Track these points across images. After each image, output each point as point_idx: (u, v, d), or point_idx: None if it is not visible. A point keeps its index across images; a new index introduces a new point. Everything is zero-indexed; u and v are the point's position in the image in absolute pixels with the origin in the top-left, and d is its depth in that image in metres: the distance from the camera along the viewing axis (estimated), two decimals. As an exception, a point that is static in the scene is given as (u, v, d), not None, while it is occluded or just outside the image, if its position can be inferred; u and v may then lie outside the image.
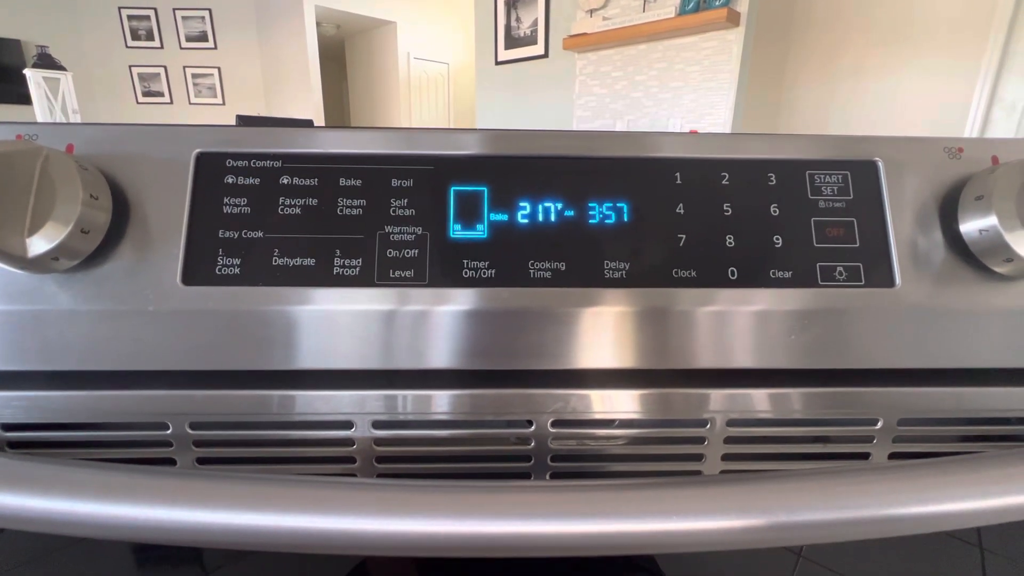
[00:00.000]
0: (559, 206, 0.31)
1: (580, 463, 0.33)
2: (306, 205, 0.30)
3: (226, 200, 0.30)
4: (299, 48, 5.03)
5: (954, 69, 2.53)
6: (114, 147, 0.30)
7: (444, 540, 0.26)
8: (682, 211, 0.31)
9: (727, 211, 0.31)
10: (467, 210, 0.30)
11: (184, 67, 5.27)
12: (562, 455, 0.32)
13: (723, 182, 0.31)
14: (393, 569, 0.36)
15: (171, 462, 0.32)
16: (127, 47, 5.14)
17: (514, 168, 0.31)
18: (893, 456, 0.33)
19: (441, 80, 5.99)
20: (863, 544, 0.35)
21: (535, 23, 3.29)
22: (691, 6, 2.52)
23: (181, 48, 5.23)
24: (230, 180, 0.30)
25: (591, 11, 2.94)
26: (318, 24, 5.12)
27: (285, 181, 0.30)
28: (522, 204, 0.31)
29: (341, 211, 0.30)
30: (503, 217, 0.31)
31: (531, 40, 3.33)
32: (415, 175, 0.31)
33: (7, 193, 0.25)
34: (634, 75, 2.91)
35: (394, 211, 0.30)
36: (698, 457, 0.32)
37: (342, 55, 6.26)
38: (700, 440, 0.32)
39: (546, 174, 0.31)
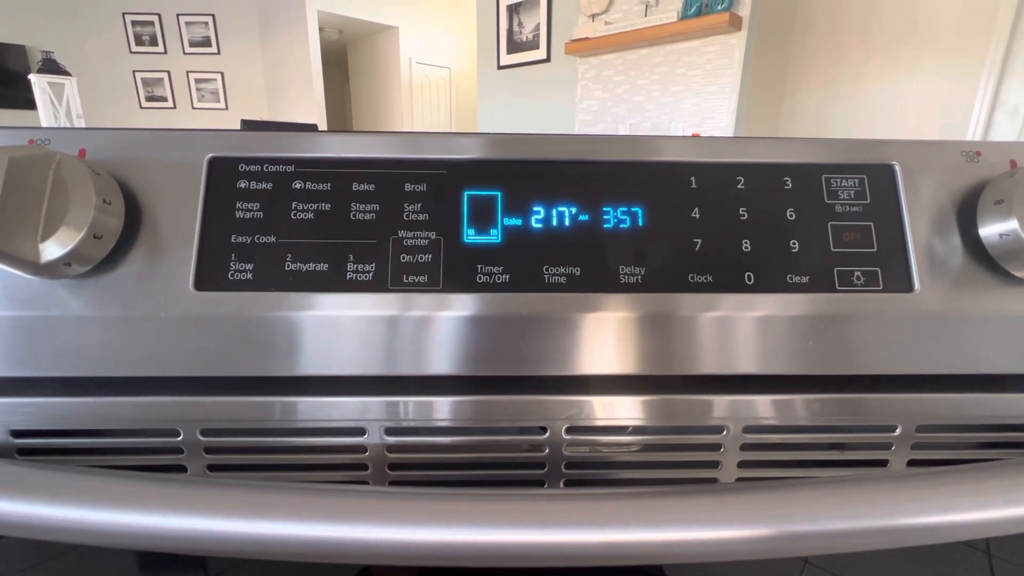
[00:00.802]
0: (573, 210, 0.30)
1: (594, 470, 0.33)
2: (319, 210, 0.30)
3: (238, 205, 0.30)
4: (302, 53, 5.05)
5: (956, 73, 2.53)
6: (126, 152, 0.30)
7: (458, 550, 0.25)
8: (698, 215, 0.30)
9: (743, 215, 0.31)
10: (481, 215, 0.30)
11: (187, 72, 5.30)
12: (576, 462, 0.32)
13: (739, 186, 0.31)
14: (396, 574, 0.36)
15: (182, 469, 0.31)
16: (131, 52, 5.17)
17: (528, 172, 0.31)
18: (912, 463, 0.32)
19: (443, 84, 6.01)
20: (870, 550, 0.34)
21: (537, 28, 3.30)
22: (693, 11, 2.53)
23: (184, 53, 5.26)
24: (242, 185, 0.30)
25: (593, 16, 2.95)
26: (321, 29, 5.15)
27: (298, 186, 0.30)
28: (536, 208, 0.31)
29: (354, 216, 0.30)
30: (517, 222, 0.30)
31: (533, 45, 3.35)
32: (428, 180, 0.31)
33: (20, 198, 0.25)
34: (636, 79, 2.92)
35: (407, 216, 0.30)
36: (714, 464, 0.32)
37: (344, 60, 6.29)
38: (716, 447, 0.32)
39: (560, 178, 0.31)
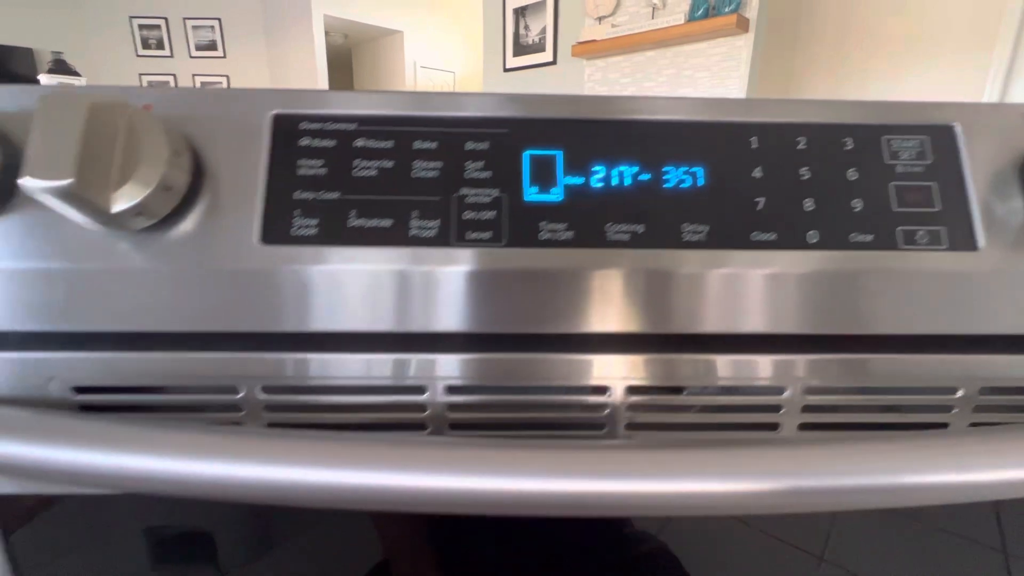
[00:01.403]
0: (634, 170, 0.30)
1: (654, 431, 0.32)
2: (382, 167, 0.30)
3: (302, 162, 0.30)
4: (307, 57, 5.08)
5: (963, 74, 2.54)
6: (189, 109, 0.30)
7: (526, 498, 0.25)
8: (759, 175, 0.30)
9: (804, 176, 0.30)
10: (542, 173, 0.30)
11: (193, 75, 5.32)
12: (637, 424, 0.32)
13: (799, 147, 0.31)
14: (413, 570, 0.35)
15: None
16: (137, 56, 5.20)
17: (589, 132, 0.31)
18: (973, 427, 0.32)
19: (447, 88, 6.04)
20: (884, 548, 0.34)
21: (543, 30, 3.32)
22: (700, 13, 2.54)
23: (191, 57, 5.29)
24: (306, 142, 0.30)
25: (600, 18, 2.97)
26: (326, 33, 5.18)
27: (360, 144, 0.30)
28: (596, 168, 0.31)
29: (417, 174, 0.30)
30: (579, 180, 0.30)
31: (539, 47, 3.37)
32: (490, 138, 0.31)
33: (94, 145, 0.25)
34: (643, 81, 2.93)
35: (469, 174, 0.30)
36: (774, 426, 0.32)
37: (349, 64, 6.32)
38: (776, 408, 0.31)
39: (621, 138, 0.31)
